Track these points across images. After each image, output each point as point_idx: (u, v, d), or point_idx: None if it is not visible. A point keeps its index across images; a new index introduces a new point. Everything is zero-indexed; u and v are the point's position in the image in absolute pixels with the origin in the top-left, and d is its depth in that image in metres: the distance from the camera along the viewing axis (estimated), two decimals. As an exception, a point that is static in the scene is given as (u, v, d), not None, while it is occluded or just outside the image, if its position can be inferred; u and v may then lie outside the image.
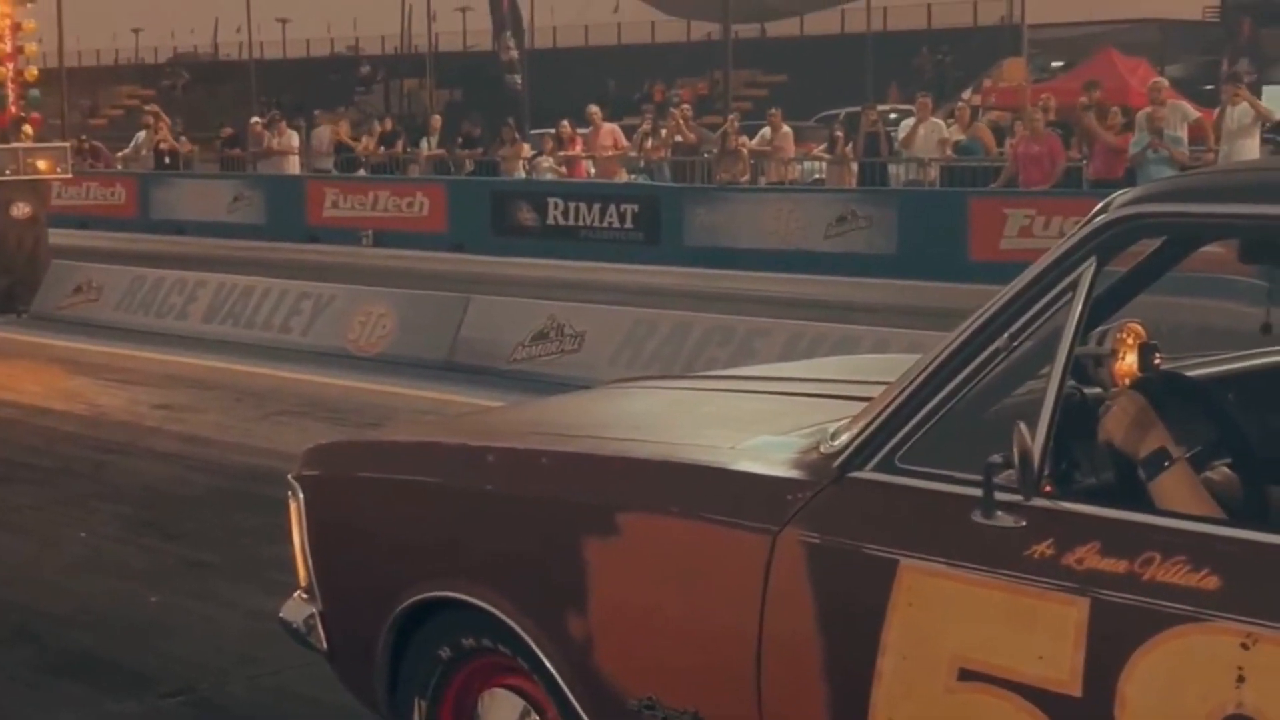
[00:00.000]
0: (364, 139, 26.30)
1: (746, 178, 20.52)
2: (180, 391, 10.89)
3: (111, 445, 9.13)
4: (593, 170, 22.58)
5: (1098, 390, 3.18)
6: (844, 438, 3.01)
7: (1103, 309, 3.13)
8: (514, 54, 37.79)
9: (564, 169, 22.62)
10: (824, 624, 2.89)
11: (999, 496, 2.72)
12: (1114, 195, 2.91)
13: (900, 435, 2.91)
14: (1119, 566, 2.58)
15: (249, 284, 13.56)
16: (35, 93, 14.87)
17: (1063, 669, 2.59)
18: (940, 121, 19.93)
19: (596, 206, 20.34)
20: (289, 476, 4.03)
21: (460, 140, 25.38)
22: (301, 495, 3.93)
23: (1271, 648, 2.41)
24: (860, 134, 20.52)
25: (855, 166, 20.12)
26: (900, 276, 16.25)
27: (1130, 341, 3.26)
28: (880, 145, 20.33)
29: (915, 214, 17.56)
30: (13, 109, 14.57)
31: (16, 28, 14.62)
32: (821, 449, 3.06)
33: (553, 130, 23.70)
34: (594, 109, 22.93)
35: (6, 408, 10.48)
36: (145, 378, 11.54)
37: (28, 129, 14.47)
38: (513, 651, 3.43)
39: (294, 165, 25.10)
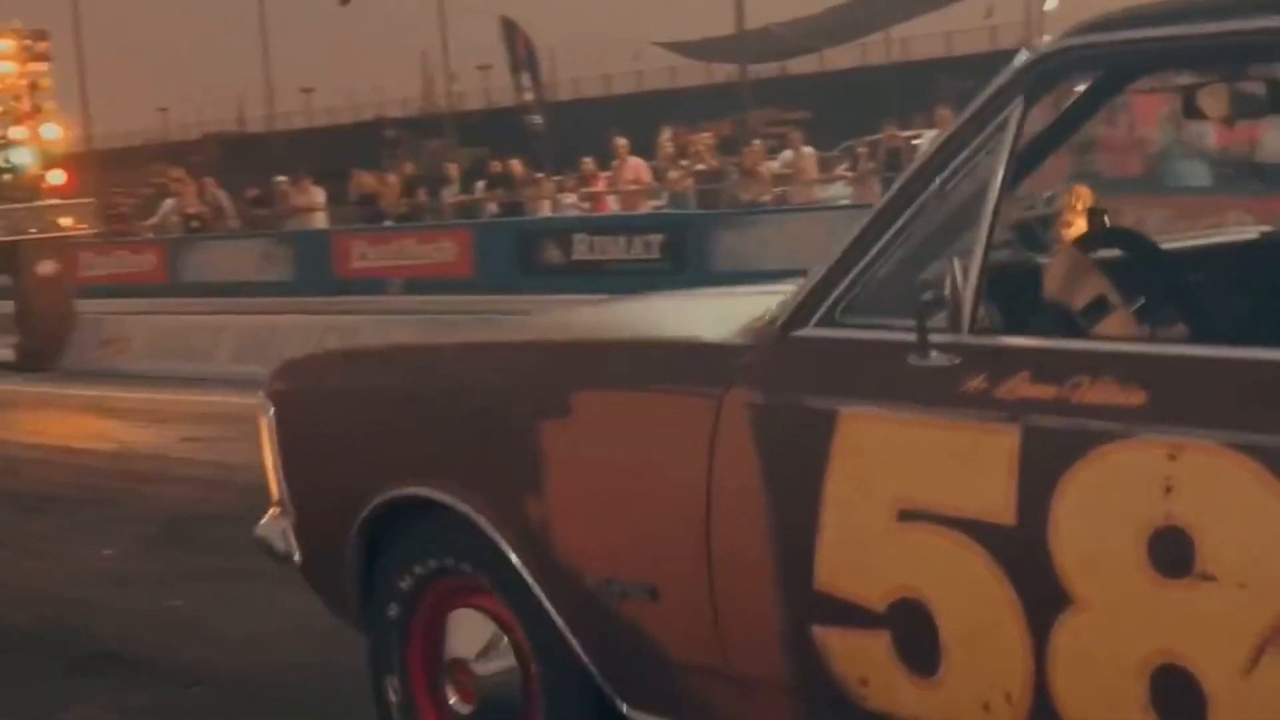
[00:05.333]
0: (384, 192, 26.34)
1: (769, 197, 20.51)
2: (208, 426, 10.91)
3: (139, 475, 9.17)
4: (617, 206, 22.60)
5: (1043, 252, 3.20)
6: (787, 300, 3.02)
7: (1032, 157, 3.13)
8: (531, 95, 37.46)
9: (588, 205, 22.66)
10: (769, 483, 2.88)
11: (933, 338, 2.71)
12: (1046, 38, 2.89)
13: (839, 290, 2.90)
14: (1048, 393, 2.56)
15: (273, 322, 13.64)
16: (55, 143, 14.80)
17: (997, 499, 2.57)
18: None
19: (622, 239, 20.40)
20: (260, 393, 4.05)
21: (484, 183, 25.39)
22: (272, 410, 3.96)
23: (1198, 457, 2.39)
24: (881, 150, 20.62)
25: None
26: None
27: (1078, 206, 3.29)
28: (901, 161, 20.41)
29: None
30: (33, 169, 14.60)
31: (33, 86, 14.66)
32: (767, 317, 3.06)
33: (576, 173, 23.75)
34: (621, 141, 22.93)
35: (34, 450, 10.56)
36: (173, 416, 11.60)
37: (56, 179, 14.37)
38: (474, 568, 3.42)
39: (321, 221, 25.22)
